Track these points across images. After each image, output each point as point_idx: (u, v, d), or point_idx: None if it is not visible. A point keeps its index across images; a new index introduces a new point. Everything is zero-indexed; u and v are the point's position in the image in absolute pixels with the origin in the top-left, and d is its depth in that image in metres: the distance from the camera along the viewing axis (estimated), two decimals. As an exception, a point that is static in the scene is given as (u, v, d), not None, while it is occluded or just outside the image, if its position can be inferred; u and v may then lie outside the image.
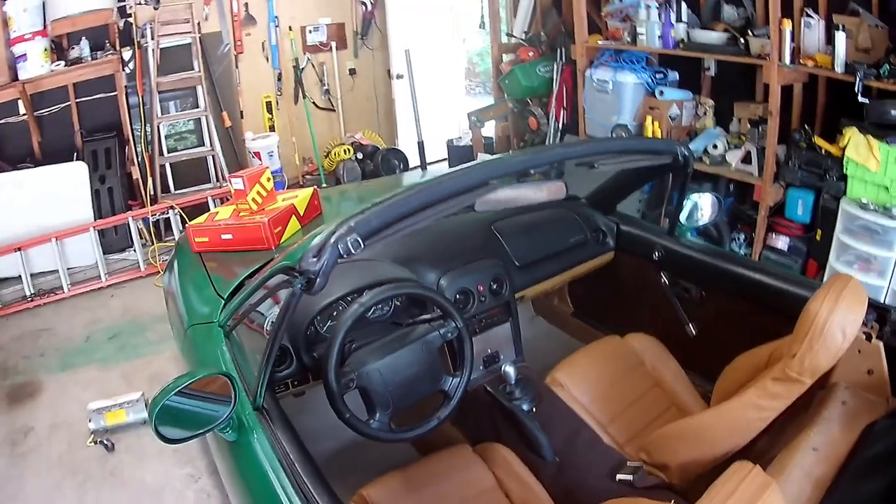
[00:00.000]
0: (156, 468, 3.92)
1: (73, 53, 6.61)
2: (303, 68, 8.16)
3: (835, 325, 1.92)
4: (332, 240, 1.95)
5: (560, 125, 7.11)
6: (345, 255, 1.95)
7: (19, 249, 6.10)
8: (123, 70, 6.79)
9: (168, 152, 7.33)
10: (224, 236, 3.68)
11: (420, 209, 2.14)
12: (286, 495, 1.96)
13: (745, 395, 2.16)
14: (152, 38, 6.89)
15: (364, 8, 8.31)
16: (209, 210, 5.42)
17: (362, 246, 1.97)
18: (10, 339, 5.58)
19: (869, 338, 2.28)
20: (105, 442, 4.10)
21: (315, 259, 1.93)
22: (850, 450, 2.01)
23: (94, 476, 3.92)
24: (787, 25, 4.74)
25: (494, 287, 3.12)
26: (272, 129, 8.02)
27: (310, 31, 8.13)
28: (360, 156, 8.15)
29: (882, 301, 2.47)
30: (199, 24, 7.19)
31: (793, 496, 1.87)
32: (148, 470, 3.92)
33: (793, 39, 4.79)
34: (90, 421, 4.15)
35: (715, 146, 5.53)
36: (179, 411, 2.10)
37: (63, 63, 6.55)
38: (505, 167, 2.50)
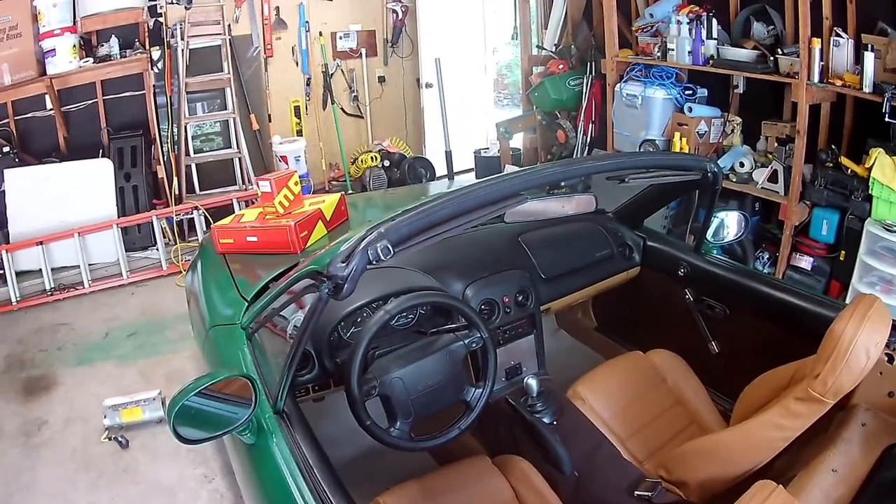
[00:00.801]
0: (170, 467, 3.92)
1: (102, 51, 6.65)
2: (332, 74, 8.19)
3: (859, 346, 1.90)
4: (362, 246, 1.92)
5: (588, 139, 7.14)
6: (374, 262, 1.93)
7: (41, 243, 6.14)
8: (152, 69, 6.83)
9: (194, 153, 7.38)
10: (249, 238, 3.69)
11: (451, 218, 2.11)
12: (303, 500, 1.95)
13: (766, 415, 2.15)
14: (182, 39, 6.95)
15: (395, 16, 8.34)
16: (234, 212, 5.39)
17: (392, 253, 1.95)
18: (28, 332, 5.61)
19: (891, 359, 2.27)
20: (119, 439, 4.10)
21: (344, 264, 1.91)
22: (869, 472, 2.00)
23: (107, 472, 3.93)
24: (817, 44, 4.74)
25: (520, 299, 3.10)
26: (300, 133, 8.07)
27: (340, 38, 8.16)
28: (386, 163, 8.16)
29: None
30: (229, 26, 7.26)
31: None
32: (162, 469, 3.92)
33: (822, 58, 4.78)
34: (105, 417, 4.16)
35: (742, 164, 5.50)
36: (198, 412, 2.08)
37: (92, 60, 6.59)
38: (537, 178, 2.48)
